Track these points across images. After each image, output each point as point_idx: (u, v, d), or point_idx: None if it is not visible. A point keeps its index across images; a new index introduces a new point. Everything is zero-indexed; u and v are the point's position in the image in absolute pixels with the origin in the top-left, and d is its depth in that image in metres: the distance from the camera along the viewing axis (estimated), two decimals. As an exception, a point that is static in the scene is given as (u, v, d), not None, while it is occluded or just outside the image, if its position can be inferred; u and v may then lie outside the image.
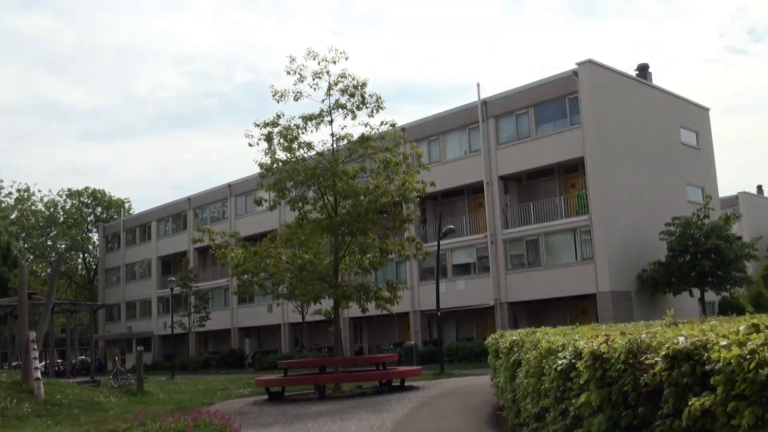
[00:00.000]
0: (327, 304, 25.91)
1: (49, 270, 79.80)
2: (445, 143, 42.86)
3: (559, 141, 37.66)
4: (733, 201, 57.39)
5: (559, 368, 7.02)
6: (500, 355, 12.17)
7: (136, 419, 12.18)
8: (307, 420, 15.76)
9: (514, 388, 10.45)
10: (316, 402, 20.16)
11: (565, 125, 37.62)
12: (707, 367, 4.39)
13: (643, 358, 5.34)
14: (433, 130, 42.72)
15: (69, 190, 79.52)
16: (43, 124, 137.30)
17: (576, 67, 36.87)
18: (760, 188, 69.93)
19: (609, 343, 6.02)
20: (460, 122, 42.18)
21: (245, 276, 22.53)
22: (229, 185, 57.53)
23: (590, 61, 36.74)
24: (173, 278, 48.96)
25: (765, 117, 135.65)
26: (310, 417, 16.32)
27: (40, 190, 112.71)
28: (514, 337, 10.69)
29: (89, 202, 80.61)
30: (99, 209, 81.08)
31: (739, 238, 42.47)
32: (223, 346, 58.57)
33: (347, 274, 24.80)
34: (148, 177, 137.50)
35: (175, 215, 64.01)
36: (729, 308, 37.13)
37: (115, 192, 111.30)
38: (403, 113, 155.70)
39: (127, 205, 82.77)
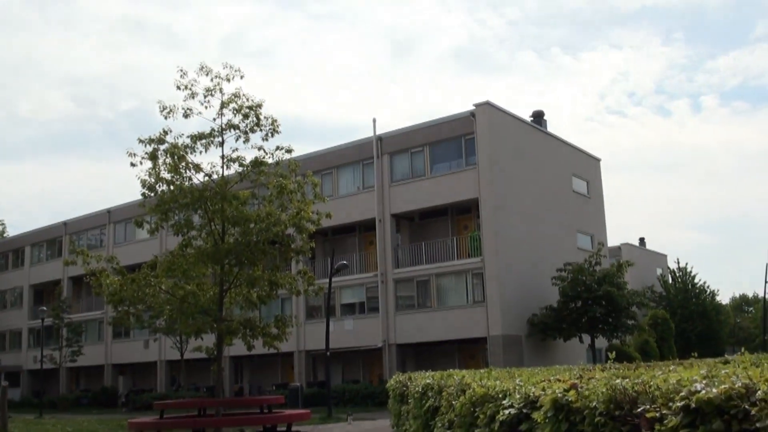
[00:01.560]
0: (209, 340, 23.98)
1: None
2: (338, 178, 41.59)
3: (453, 181, 36.93)
4: (616, 251, 58.05)
5: (502, 419, 5.69)
6: (408, 401, 10.78)
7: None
8: (182, 468, 13.93)
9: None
10: (193, 447, 18.23)
11: (461, 165, 36.94)
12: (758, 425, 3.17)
13: (639, 409, 4.05)
14: (326, 164, 41.33)
15: (-65, 210, 74.53)
16: None
17: (473, 108, 36.34)
18: (642, 240, 71.47)
19: (579, 389, 4.71)
20: (354, 157, 41.03)
21: (121, 307, 20.45)
22: (109, 211, 54.55)
23: (488, 103, 36.28)
24: (44, 308, 45.69)
25: (640, 175, 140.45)
26: (186, 465, 14.49)
27: None
28: (428, 380, 9.33)
29: (-42, 222, 75.62)
30: (-32, 231, 76.17)
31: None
32: (96, 384, 55.08)
33: (232, 308, 22.96)
34: (26, 202, 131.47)
35: (50, 240, 60.26)
36: (618, 356, 37.05)
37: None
38: (295, 148, 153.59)
39: (0, 228, 77.95)
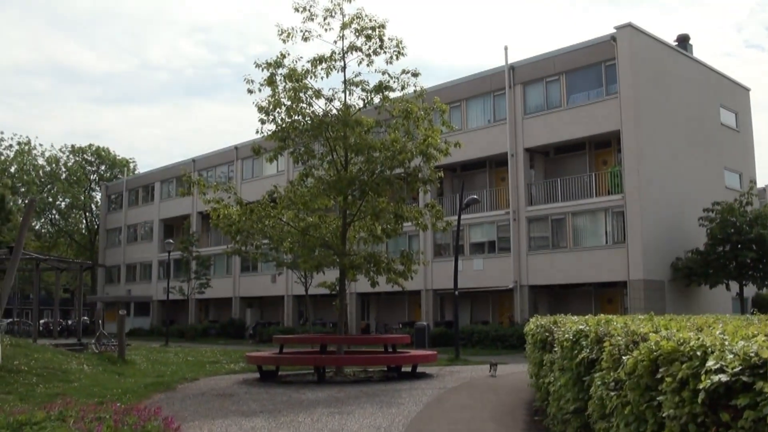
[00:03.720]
0: (332, 275, 23.04)
1: (48, 227, 77.45)
2: (467, 111, 39.74)
3: (592, 112, 34.51)
4: (761, 193, 53.96)
5: (709, 387, 4.10)
6: (554, 349, 9.24)
7: (58, 408, 9.35)
8: (299, 411, 12.92)
9: (581, 398, 7.54)
10: (313, 387, 17.29)
11: (600, 95, 34.44)
12: None
13: None
14: (454, 96, 39.44)
15: (72, 146, 76.65)
16: (56, 87, 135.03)
17: (614, 31, 33.66)
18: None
19: None
20: (484, 88, 39.03)
21: (239, 236, 19.61)
22: (236, 147, 54.59)
23: (630, 26, 33.48)
24: (171, 241, 46.15)
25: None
26: (304, 406, 13.48)
27: (41, 144, 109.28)
28: (581, 326, 7.74)
29: (93, 160, 77.60)
30: (103, 168, 78.12)
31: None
32: (224, 316, 56.04)
33: (355, 243, 21.86)
34: (159, 144, 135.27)
35: (179, 177, 61.07)
36: (764, 305, 34.18)
37: (123, 154, 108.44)
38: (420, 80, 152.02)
39: (132, 165, 79.80)
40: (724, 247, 32.37)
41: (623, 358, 5.61)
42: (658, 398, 4.90)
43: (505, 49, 37.92)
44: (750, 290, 35.59)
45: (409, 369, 19.58)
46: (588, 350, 7.16)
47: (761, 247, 31.85)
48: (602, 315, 9.35)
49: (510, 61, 37.85)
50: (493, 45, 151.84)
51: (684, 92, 36.42)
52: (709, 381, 4.08)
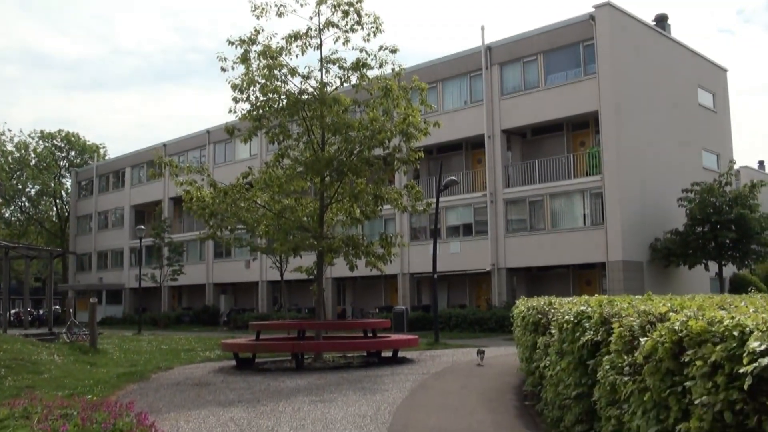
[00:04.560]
0: (308, 260, 22.49)
1: (18, 215, 76.12)
2: (444, 91, 39.20)
3: (570, 92, 34.09)
4: (736, 174, 54.02)
5: (755, 371, 3.65)
6: (549, 331, 8.78)
7: (23, 404, 8.73)
8: (279, 399, 12.43)
9: (584, 383, 7.08)
10: (292, 373, 16.80)
11: (579, 75, 34.03)
12: None
13: None
14: (430, 77, 38.72)
15: (41, 132, 75.15)
16: (27, 72, 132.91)
17: (593, 10, 33.23)
18: (761, 163, 66.72)
19: None
20: (461, 69, 38.51)
21: (213, 221, 18.98)
22: (208, 131, 53.74)
23: (609, 4, 33.04)
24: (142, 227, 45.33)
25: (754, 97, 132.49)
26: (284, 395, 12.99)
27: (10, 130, 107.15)
28: (583, 307, 7.28)
29: (62, 145, 76.12)
30: (72, 154, 76.70)
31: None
32: (198, 302, 55.31)
33: (333, 226, 21.32)
34: (129, 131, 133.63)
35: (150, 162, 60.01)
36: (741, 286, 34.04)
37: (93, 140, 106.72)
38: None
39: (102, 151, 78.37)
40: (704, 227, 32.17)
41: (641, 340, 5.15)
42: (684, 384, 4.45)
43: (482, 29, 37.42)
44: (728, 271, 35.46)
45: (389, 354, 19.13)
46: (592, 332, 6.70)
47: (740, 227, 31.67)
48: (598, 296, 8.91)
49: (487, 42, 37.34)
50: (469, 29, 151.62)
51: (662, 73, 36.08)
52: (756, 364, 3.62)
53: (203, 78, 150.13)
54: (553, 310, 8.86)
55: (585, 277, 36.17)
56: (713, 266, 33.50)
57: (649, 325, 5.28)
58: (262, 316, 43.93)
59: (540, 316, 9.74)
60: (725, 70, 42.60)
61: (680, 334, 4.56)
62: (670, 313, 5.11)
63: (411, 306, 38.38)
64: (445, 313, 35.41)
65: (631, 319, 5.65)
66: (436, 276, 27.78)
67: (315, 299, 21.26)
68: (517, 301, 13.26)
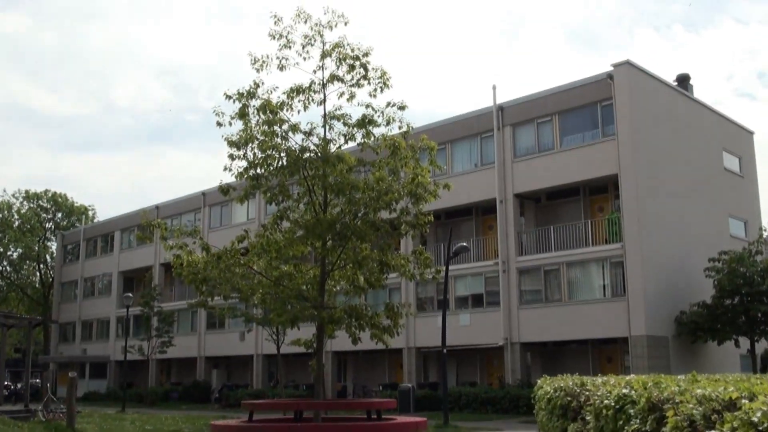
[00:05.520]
0: (308, 331, 21.75)
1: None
2: (453, 153, 38.91)
3: (587, 155, 33.75)
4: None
5: None
6: (582, 417, 8.09)
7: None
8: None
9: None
10: (287, 459, 15.99)
11: (596, 137, 33.75)
12: None
13: None
14: (439, 138, 38.32)
15: (27, 191, 75.00)
16: (15, 129, 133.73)
17: (611, 69, 33.07)
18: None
19: None
20: (471, 130, 38.29)
21: (204, 287, 18.34)
22: (203, 193, 53.36)
23: (628, 63, 32.92)
24: (130, 295, 44.69)
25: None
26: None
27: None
28: (625, 390, 6.62)
29: (49, 206, 75.92)
30: (59, 215, 76.44)
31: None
32: (188, 377, 54.23)
33: (335, 294, 20.65)
34: (121, 191, 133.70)
35: (141, 225, 59.63)
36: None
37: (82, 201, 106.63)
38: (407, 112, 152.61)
39: (90, 213, 78.00)
40: (733, 299, 31.45)
41: (707, 433, 4.51)
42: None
43: (494, 88, 37.28)
44: (760, 347, 34.62)
45: (395, 438, 18.26)
46: (639, 421, 6.04)
47: (774, 299, 31.00)
48: (637, 376, 8.24)
49: (499, 102, 37.16)
50: (480, 89, 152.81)
51: (685, 135, 35.82)
52: None
53: (200, 139, 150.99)
54: (586, 392, 8.20)
55: (605, 353, 35.36)
56: (744, 342, 32.67)
57: (715, 415, 4.64)
58: (257, 392, 42.99)
59: (570, 398, 9.06)
60: (751, 133, 42.38)
61: (760, 428, 3.93)
62: (743, 401, 4.47)
63: (417, 383, 37.46)
64: (454, 391, 34.51)
65: (690, 406, 5.01)
66: (445, 350, 27.02)
67: (314, 375, 20.48)
68: (539, 380, 12.57)
